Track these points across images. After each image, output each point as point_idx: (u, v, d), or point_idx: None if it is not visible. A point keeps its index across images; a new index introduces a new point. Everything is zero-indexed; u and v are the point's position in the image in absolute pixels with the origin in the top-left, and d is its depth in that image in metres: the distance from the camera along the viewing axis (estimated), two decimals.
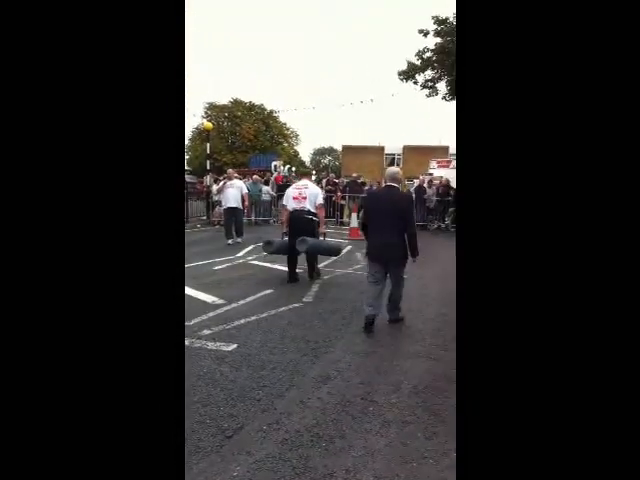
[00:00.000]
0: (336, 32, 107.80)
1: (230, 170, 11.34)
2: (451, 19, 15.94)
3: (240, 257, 8.33)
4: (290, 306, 5.17)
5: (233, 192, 10.02)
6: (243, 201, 10.28)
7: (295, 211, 6.29)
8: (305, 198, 6.27)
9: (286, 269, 6.59)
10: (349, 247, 10.07)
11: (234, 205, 9.96)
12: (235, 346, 3.89)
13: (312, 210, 6.27)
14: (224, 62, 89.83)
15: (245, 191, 10.43)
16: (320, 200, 6.46)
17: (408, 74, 17.01)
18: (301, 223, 6.18)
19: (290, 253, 6.39)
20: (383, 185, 4.73)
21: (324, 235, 6.56)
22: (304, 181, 6.64)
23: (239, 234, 10.17)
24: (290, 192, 6.49)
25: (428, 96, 17.33)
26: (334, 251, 6.86)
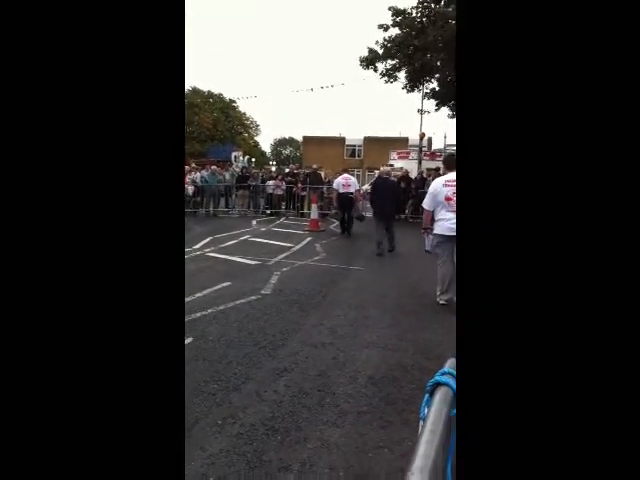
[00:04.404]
0: (298, 15, 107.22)
1: None
2: (409, 10, 16.06)
3: (197, 249, 8.19)
4: (248, 298, 5.11)
5: None
6: None
7: (343, 193, 10.75)
8: (350, 185, 10.82)
9: (243, 260, 7.44)
10: (309, 239, 10.06)
11: None
12: (191, 339, 3.82)
13: (352, 192, 10.78)
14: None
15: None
16: (357, 187, 11.30)
17: (369, 61, 17.02)
18: (346, 200, 10.72)
19: (342, 218, 10.99)
20: (381, 177, 9.31)
21: (358, 209, 11.23)
22: (346, 175, 11.32)
23: None
24: (340, 181, 10.90)
25: (387, 82, 17.37)
26: (362, 218, 10.96)
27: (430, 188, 5.45)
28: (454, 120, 17.52)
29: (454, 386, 0.98)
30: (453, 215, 4.91)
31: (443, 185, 5.10)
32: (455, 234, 4.83)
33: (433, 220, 5.30)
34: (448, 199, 4.99)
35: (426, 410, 0.95)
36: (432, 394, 0.98)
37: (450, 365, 1.11)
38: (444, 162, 6.13)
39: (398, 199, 10.63)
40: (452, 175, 5.10)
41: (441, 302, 5.10)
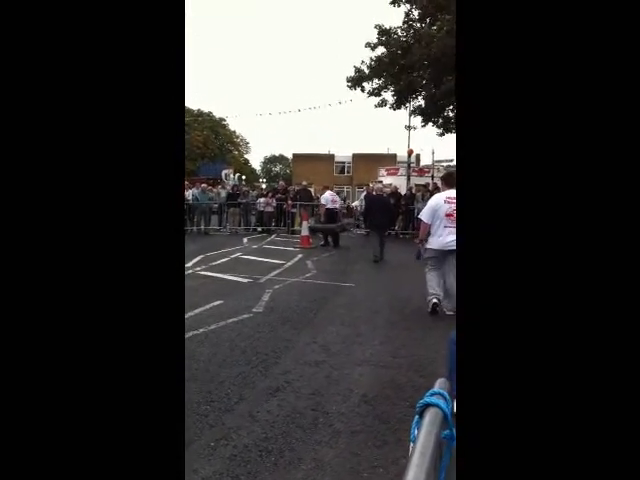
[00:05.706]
0: (290, 31, 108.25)
1: None
2: (395, 29, 16.27)
3: (188, 268, 8.14)
4: (240, 317, 5.09)
5: None
6: None
7: (330, 208, 12.76)
8: (336, 201, 13.15)
9: (235, 279, 7.47)
10: (300, 256, 10.06)
11: None
12: None
13: (338, 207, 13.16)
14: None
15: None
16: (340, 203, 13.65)
17: (356, 81, 17.13)
18: (333, 215, 12.81)
19: (327, 232, 12.12)
20: (374, 193, 11.50)
21: (343, 222, 13.52)
22: (332, 192, 13.50)
23: None
24: (328, 197, 12.98)
25: (377, 106, 17.48)
26: (346, 230, 13.34)
27: (431, 201, 5.58)
28: (442, 137, 17.71)
29: (444, 407, 0.99)
30: (449, 232, 5.08)
31: (445, 201, 5.23)
32: (449, 249, 4.95)
33: (429, 233, 5.45)
34: (449, 215, 5.12)
35: (416, 432, 0.96)
36: (422, 415, 0.99)
37: (440, 385, 1.12)
38: (442, 179, 6.19)
39: (391, 212, 11.67)
40: (452, 192, 5.21)
41: (433, 302, 5.34)
